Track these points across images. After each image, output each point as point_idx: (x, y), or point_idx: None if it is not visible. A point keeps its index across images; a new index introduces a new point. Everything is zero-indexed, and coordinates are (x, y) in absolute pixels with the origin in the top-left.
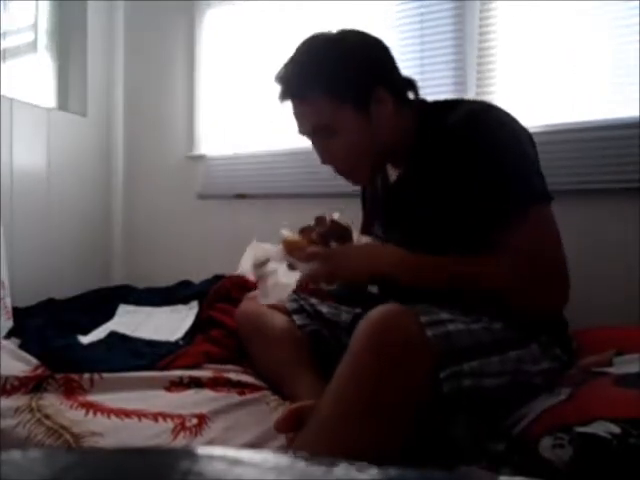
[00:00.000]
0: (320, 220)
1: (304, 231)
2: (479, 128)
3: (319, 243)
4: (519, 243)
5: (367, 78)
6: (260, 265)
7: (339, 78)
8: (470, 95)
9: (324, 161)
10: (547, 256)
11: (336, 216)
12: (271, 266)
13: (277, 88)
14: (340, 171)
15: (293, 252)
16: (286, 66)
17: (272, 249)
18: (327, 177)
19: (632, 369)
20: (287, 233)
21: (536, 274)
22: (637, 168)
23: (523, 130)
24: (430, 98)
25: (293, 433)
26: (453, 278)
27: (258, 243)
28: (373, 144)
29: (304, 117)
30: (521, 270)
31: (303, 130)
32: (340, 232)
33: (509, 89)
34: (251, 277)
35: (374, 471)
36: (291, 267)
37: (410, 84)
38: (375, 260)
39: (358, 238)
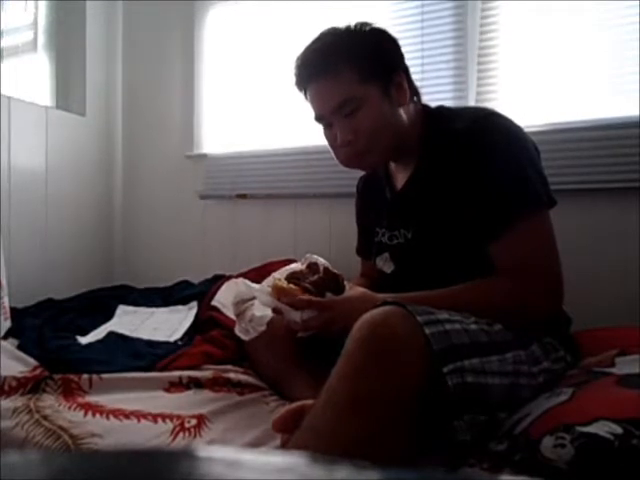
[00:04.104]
0: (312, 266)
1: (294, 276)
2: (484, 133)
3: (314, 292)
4: (517, 255)
5: (389, 61)
6: (243, 302)
7: (365, 55)
8: (471, 95)
9: (344, 140)
10: (543, 272)
11: (313, 259)
12: (249, 304)
13: (296, 75)
14: (357, 151)
15: (286, 299)
16: (307, 50)
17: (259, 289)
18: (327, 178)
19: (634, 369)
20: (279, 278)
21: (533, 293)
22: (637, 168)
23: (527, 137)
24: (430, 98)
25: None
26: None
27: (242, 280)
28: (391, 123)
29: (329, 94)
30: (517, 294)
31: (326, 109)
32: (333, 281)
33: (510, 89)
34: (227, 311)
35: (374, 471)
36: (276, 312)
37: (416, 89)
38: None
39: (349, 287)
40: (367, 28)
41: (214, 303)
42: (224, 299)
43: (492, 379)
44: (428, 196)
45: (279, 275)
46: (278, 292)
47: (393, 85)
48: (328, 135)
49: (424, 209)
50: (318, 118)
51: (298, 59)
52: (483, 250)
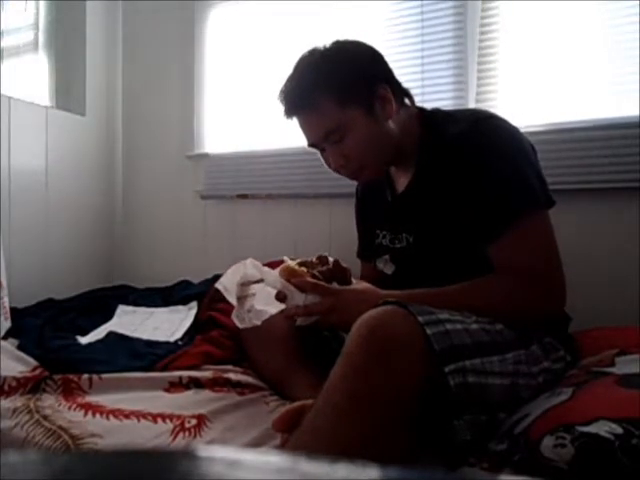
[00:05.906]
0: (322, 259)
1: (304, 264)
2: (482, 136)
3: (321, 279)
4: (516, 255)
5: (368, 77)
6: (248, 283)
7: (341, 80)
8: (471, 95)
9: (337, 165)
10: (544, 271)
11: (324, 255)
12: (253, 289)
13: (281, 107)
14: (353, 171)
15: (293, 279)
16: (286, 83)
17: (267, 271)
18: (327, 178)
19: (634, 369)
20: (289, 261)
21: (534, 292)
22: (637, 168)
23: (524, 138)
24: (430, 98)
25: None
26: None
27: (251, 260)
28: (382, 139)
29: (313, 126)
30: (518, 293)
31: (313, 139)
32: (341, 273)
33: (510, 88)
34: (229, 296)
35: (374, 471)
36: (280, 297)
37: (406, 92)
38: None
39: (356, 282)
40: (342, 47)
41: (217, 286)
42: (228, 282)
43: (493, 379)
44: (429, 200)
45: (290, 260)
46: (287, 273)
47: (377, 100)
48: (323, 157)
49: (425, 213)
50: (310, 145)
51: (280, 93)
52: (485, 252)
